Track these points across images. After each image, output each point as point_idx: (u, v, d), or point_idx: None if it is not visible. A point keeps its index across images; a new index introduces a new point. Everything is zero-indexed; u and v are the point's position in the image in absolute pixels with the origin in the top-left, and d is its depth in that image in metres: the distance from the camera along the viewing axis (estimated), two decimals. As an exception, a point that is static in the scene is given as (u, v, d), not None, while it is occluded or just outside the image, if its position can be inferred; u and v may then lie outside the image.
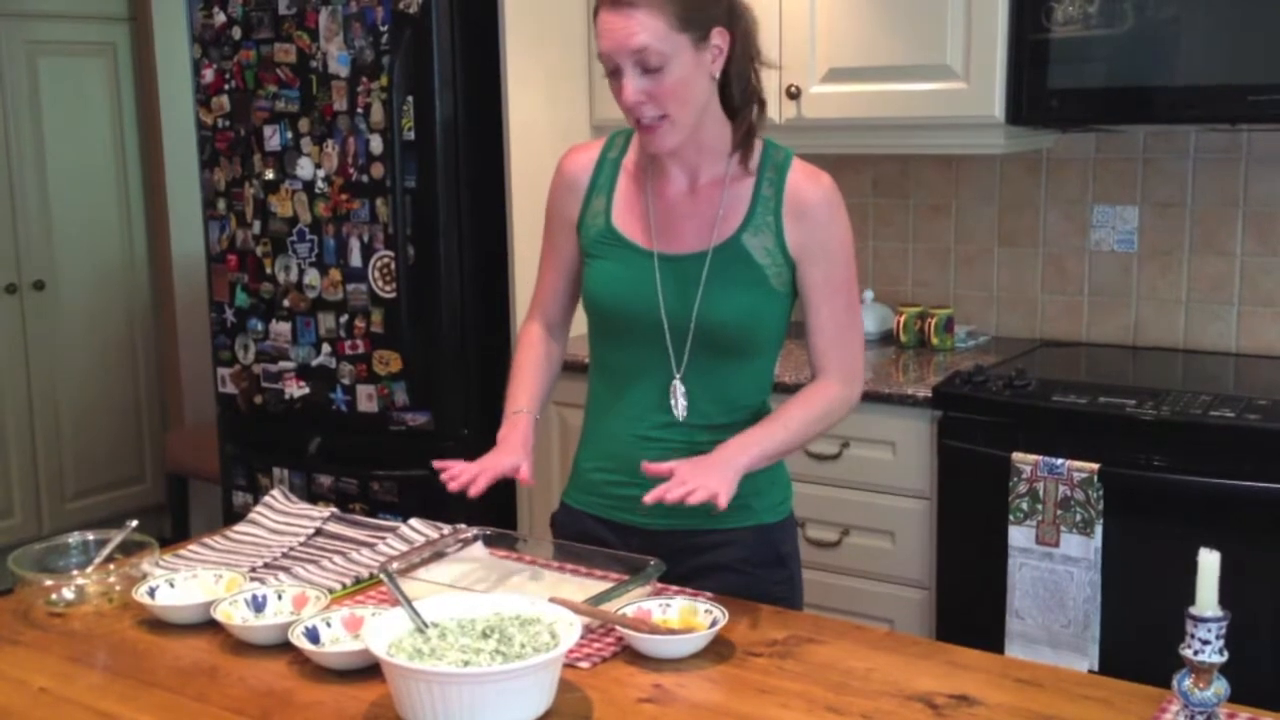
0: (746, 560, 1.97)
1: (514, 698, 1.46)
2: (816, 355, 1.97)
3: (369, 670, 1.62)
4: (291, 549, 2.09)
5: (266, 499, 2.27)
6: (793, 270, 1.93)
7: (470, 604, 1.64)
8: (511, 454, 1.92)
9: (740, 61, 1.89)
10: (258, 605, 1.80)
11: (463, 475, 1.86)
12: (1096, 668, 2.64)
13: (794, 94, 3.26)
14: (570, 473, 2.12)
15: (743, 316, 1.92)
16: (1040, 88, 2.96)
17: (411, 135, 3.31)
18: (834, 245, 1.93)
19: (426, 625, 1.58)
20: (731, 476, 1.80)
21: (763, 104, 1.94)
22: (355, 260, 3.43)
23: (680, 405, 1.95)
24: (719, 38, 1.85)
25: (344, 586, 1.92)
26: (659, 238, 1.94)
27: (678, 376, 1.94)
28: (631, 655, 1.67)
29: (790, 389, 3.01)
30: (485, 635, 1.55)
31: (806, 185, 1.92)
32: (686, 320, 1.92)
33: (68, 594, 1.88)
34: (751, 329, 1.93)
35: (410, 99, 3.29)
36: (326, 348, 3.52)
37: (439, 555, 1.96)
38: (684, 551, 1.94)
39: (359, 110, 3.36)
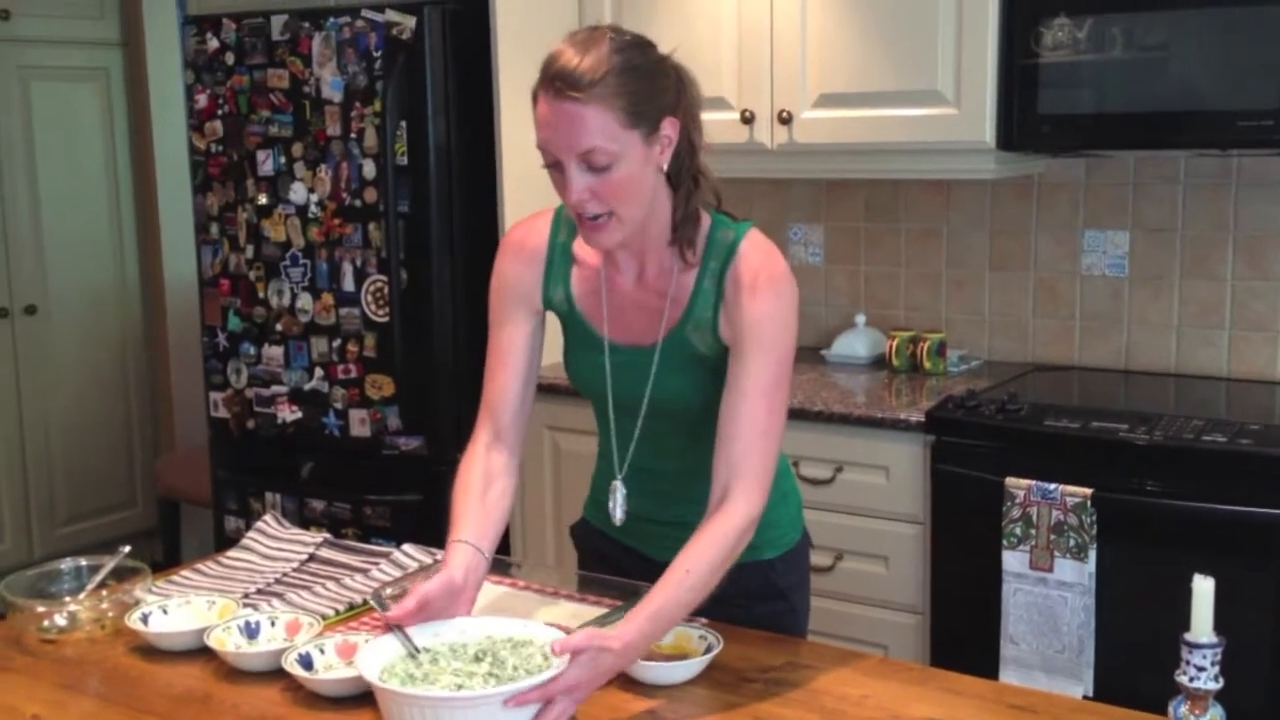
0: (744, 594, 1.88)
1: None
2: (724, 461, 1.75)
3: (362, 697, 1.61)
4: (285, 575, 2.09)
5: (259, 524, 2.26)
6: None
7: (462, 628, 1.64)
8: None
9: (681, 142, 1.78)
10: (251, 632, 1.79)
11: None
12: (1091, 693, 2.64)
13: (786, 119, 3.27)
14: (590, 487, 2.11)
15: (692, 398, 1.86)
16: (1030, 113, 2.98)
17: (404, 160, 3.32)
18: (764, 340, 1.77)
19: (419, 650, 1.57)
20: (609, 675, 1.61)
21: (697, 181, 1.82)
22: (348, 284, 3.44)
23: (619, 511, 1.92)
24: (669, 128, 1.74)
25: (337, 613, 1.91)
26: (612, 328, 1.89)
27: (619, 478, 1.92)
28: (626, 681, 1.67)
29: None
30: (478, 659, 1.55)
31: (747, 276, 1.79)
32: (638, 403, 1.88)
33: (60, 620, 1.87)
34: (702, 406, 1.84)
35: (403, 124, 3.30)
36: (319, 372, 3.52)
37: (432, 581, 1.95)
38: None
39: (352, 135, 3.37)
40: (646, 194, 1.75)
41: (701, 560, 1.69)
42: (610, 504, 1.92)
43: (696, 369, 1.85)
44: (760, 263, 1.81)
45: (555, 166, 1.71)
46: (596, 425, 2.02)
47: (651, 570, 1.78)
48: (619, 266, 1.88)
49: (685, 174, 1.81)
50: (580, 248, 1.91)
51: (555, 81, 1.68)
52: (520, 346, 1.93)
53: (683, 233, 1.82)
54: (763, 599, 1.95)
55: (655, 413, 1.88)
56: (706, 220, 1.85)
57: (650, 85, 1.71)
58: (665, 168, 1.76)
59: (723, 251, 1.82)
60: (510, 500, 1.89)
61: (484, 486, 1.85)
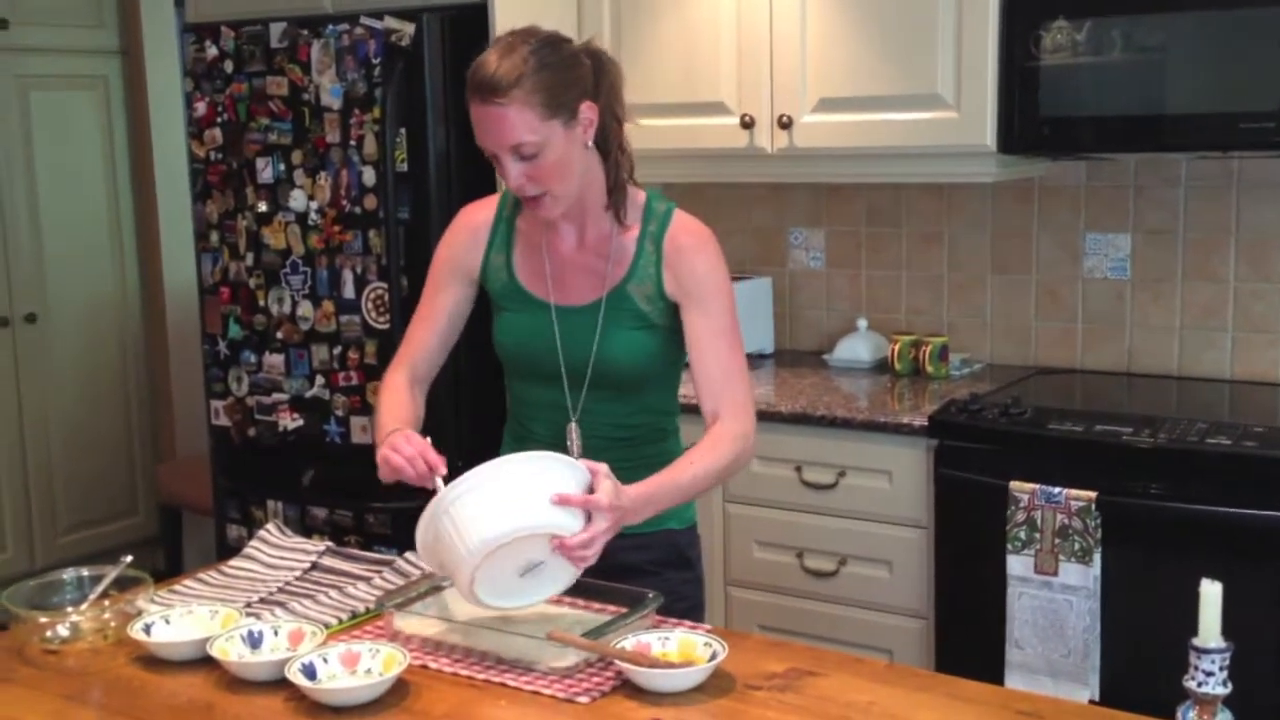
0: (656, 562, 2.09)
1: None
2: (708, 399, 2.02)
3: (366, 707, 1.61)
4: (287, 583, 2.08)
5: (261, 533, 2.26)
6: (673, 308, 2.04)
7: None
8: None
9: (604, 116, 1.99)
10: (254, 641, 1.78)
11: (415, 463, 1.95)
12: (1097, 697, 2.63)
13: (786, 124, 3.26)
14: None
15: (636, 356, 2.05)
16: (1031, 116, 2.97)
17: (404, 167, 3.31)
18: (710, 290, 2.02)
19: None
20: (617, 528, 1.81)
21: (624, 150, 2.04)
22: (348, 292, 3.43)
23: (575, 448, 2.05)
24: (587, 111, 1.95)
25: (340, 621, 1.91)
26: (555, 291, 2.08)
27: (573, 420, 2.07)
28: (631, 689, 1.66)
29: (804, 419, 3.00)
30: None
31: (683, 237, 2.04)
32: (584, 365, 2.05)
33: (62, 631, 1.87)
34: (645, 366, 2.06)
35: (403, 130, 3.30)
36: (320, 379, 3.52)
37: (436, 589, 1.95)
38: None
39: (352, 142, 3.36)
40: (576, 170, 1.97)
41: (704, 458, 1.95)
42: (568, 444, 2.06)
43: (637, 329, 2.04)
44: (694, 226, 2.07)
45: (494, 158, 1.96)
46: (514, 402, 2.18)
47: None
48: (559, 233, 2.08)
49: (613, 144, 2.02)
50: (524, 220, 2.12)
51: (480, 90, 1.90)
52: (447, 313, 2.16)
53: (616, 197, 2.04)
54: (675, 567, 2.13)
55: (600, 377, 2.04)
56: (641, 194, 2.08)
57: (564, 78, 1.92)
58: (590, 144, 1.98)
59: (659, 218, 2.06)
60: (422, 412, 2.12)
61: (411, 405, 2.09)
